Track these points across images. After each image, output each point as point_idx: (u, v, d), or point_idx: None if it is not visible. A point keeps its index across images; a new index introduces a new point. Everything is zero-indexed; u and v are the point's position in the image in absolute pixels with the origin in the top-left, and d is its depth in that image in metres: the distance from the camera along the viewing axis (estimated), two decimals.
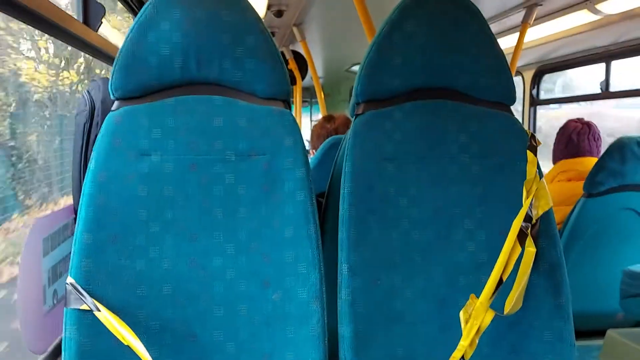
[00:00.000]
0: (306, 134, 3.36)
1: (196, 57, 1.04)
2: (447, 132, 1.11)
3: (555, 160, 2.22)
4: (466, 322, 1.01)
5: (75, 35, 1.31)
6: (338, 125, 2.20)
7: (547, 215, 1.07)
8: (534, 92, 3.15)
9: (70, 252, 0.98)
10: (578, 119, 2.22)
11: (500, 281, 1.02)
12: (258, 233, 1.03)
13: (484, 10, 1.14)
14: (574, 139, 2.17)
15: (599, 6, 2.06)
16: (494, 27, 1.12)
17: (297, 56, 3.81)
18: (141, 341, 0.92)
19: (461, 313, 1.02)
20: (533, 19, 2.33)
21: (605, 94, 2.57)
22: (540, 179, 1.09)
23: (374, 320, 1.03)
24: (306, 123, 6.62)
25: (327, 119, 2.27)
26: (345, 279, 1.04)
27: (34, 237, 1.06)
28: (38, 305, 1.08)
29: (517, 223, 1.04)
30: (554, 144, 2.22)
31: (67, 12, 1.24)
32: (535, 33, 2.54)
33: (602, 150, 2.15)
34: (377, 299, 1.04)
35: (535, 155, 1.10)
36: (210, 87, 1.06)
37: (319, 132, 2.23)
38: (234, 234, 1.03)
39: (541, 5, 2.25)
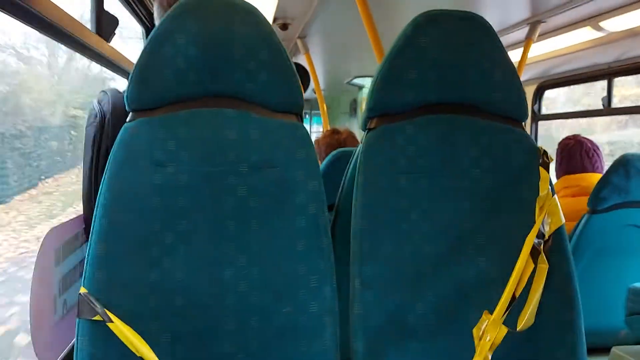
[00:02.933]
0: None
1: (211, 70, 1.05)
2: (459, 147, 1.12)
3: (558, 176, 2.23)
4: (480, 339, 1.01)
5: (89, 46, 1.31)
6: (345, 137, 2.22)
7: (559, 232, 1.08)
8: (536, 107, 3.17)
9: (80, 262, 0.98)
10: (573, 135, 2.23)
11: (514, 297, 1.02)
12: (270, 245, 1.03)
13: None
14: (567, 156, 2.19)
15: (602, 24, 2.09)
16: None
17: (299, 68, 3.84)
18: (153, 352, 0.92)
19: (475, 330, 1.02)
20: (537, 35, 2.35)
21: (608, 110, 2.59)
22: (552, 195, 1.10)
23: (387, 335, 1.03)
24: None
25: (335, 131, 2.29)
26: (357, 292, 1.04)
27: (47, 247, 1.06)
28: (49, 315, 1.07)
29: (530, 239, 1.05)
30: (556, 160, 2.24)
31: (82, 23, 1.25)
32: (538, 49, 2.57)
33: (604, 163, 2.17)
34: (390, 313, 1.04)
35: (548, 171, 1.11)
36: (224, 100, 1.07)
37: (327, 142, 2.25)
38: (246, 245, 1.03)
39: (545, 22, 2.28)
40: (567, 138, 2.23)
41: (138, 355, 0.93)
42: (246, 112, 1.06)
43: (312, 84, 3.59)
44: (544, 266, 1.03)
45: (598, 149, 2.17)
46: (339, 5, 2.31)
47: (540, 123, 3.27)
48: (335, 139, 2.24)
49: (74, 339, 0.97)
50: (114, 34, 1.47)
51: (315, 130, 7.05)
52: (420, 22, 1.12)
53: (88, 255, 0.97)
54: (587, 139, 2.20)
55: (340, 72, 4.61)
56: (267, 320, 1.01)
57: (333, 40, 3.27)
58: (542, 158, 1.12)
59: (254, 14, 1.06)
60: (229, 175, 1.03)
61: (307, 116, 6.76)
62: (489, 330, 1.01)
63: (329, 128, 3.59)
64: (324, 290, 1.01)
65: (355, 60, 4.00)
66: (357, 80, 4.80)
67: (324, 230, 1.03)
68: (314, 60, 3.30)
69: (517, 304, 1.03)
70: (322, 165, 1.76)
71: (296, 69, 1.09)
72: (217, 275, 1.01)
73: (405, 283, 1.06)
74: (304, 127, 1.10)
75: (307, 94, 4.56)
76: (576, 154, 2.17)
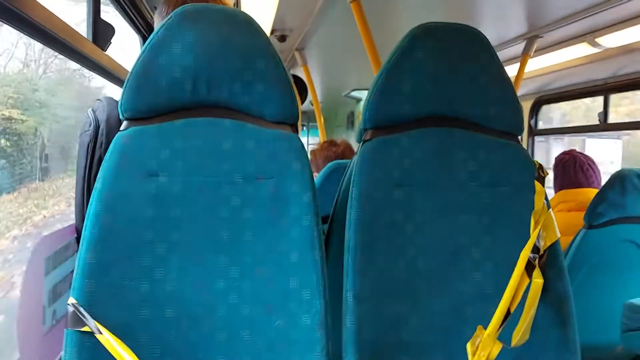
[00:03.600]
0: None
1: (206, 80, 1.04)
2: (455, 160, 1.11)
3: (556, 191, 2.24)
4: (473, 354, 1.00)
5: (85, 55, 1.31)
6: (342, 149, 2.21)
7: (554, 247, 1.07)
8: (532, 122, 3.18)
9: (70, 272, 0.97)
10: (568, 150, 2.24)
11: (508, 312, 1.01)
12: (263, 257, 1.02)
13: None
14: (561, 171, 2.20)
15: (599, 40, 2.10)
16: None
17: (297, 80, 3.84)
18: None
19: (468, 345, 1.01)
20: (533, 50, 2.36)
21: (604, 125, 2.60)
22: (547, 209, 1.09)
23: (380, 350, 1.02)
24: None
25: (332, 143, 2.28)
26: (350, 306, 1.02)
27: (36, 257, 1.04)
28: (37, 325, 1.06)
29: (525, 254, 1.04)
30: (554, 174, 2.25)
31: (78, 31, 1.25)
32: (535, 64, 2.58)
33: (601, 178, 2.18)
34: (383, 327, 1.03)
35: (543, 185, 1.11)
36: (220, 110, 1.06)
37: (325, 155, 2.23)
38: (239, 257, 1.02)
39: (542, 37, 2.29)
40: (563, 153, 2.24)
41: None
42: (242, 123, 1.06)
43: (309, 96, 3.60)
44: (538, 281, 1.02)
45: (594, 163, 2.18)
46: (337, 18, 2.32)
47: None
48: (333, 151, 2.23)
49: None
50: (110, 42, 1.47)
51: (312, 142, 7.05)
52: (416, 35, 1.12)
53: (78, 264, 0.95)
54: (582, 154, 2.21)
55: (337, 84, 4.62)
56: (259, 333, 1.00)
57: (331, 52, 3.28)
58: (537, 172, 1.12)
59: (250, 25, 1.06)
60: (224, 185, 1.03)
61: (304, 128, 6.77)
62: (483, 346, 1.00)
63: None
64: (317, 303, 1.00)
65: (353, 72, 4.02)
66: (355, 93, 4.81)
67: (317, 243, 1.02)
68: (312, 72, 3.31)
69: (512, 319, 1.01)
70: (318, 176, 1.76)
71: (294, 81, 1.09)
72: (209, 287, 1.00)
73: (399, 297, 1.05)
74: (299, 139, 1.09)
75: (304, 106, 4.57)
76: (571, 169, 2.18)
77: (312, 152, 2.37)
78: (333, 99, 5.49)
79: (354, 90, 4.71)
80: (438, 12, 2.20)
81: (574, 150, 2.25)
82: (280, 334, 1.00)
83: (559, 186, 2.21)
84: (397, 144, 1.11)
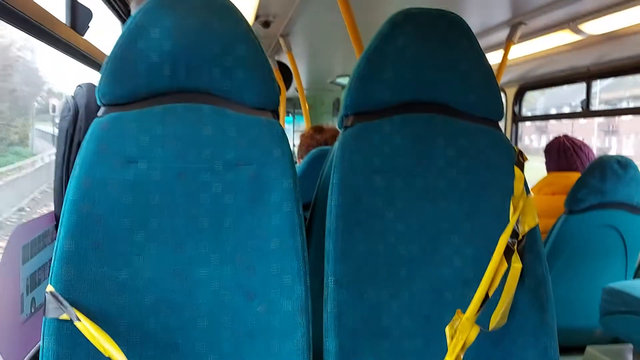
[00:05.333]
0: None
1: (186, 66, 1.03)
2: (436, 147, 1.12)
3: (549, 172, 2.27)
4: (452, 338, 1.01)
5: (62, 39, 1.29)
6: (328, 137, 2.20)
7: (533, 232, 1.08)
8: (516, 108, 3.19)
9: (50, 260, 0.96)
10: (564, 135, 2.27)
11: (486, 297, 1.02)
12: (244, 244, 1.02)
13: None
14: (548, 155, 2.24)
15: (581, 27, 2.11)
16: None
17: (282, 67, 3.81)
18: (122, 352, 0.90)
19: (447, 328, 1.02)
20: (517, 37, 2.37)
21: (586, 112, 2.62)
22: (527, 195, 1.10)
23: (360, 335, 1.02)
24: (288, 133, 6.61)
25: (317, 130, 2.26)
26: (331, 291, 1.03)
27: (13, 244, 1.03)
28: (15, 314, 1.05)
29: (504, 239, 1.05)
30: (546, 155, 2.28)
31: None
32: (519, 51, 2.58)
33: (586, 163, 2.21)
34: (364, 313, 1.03)
35: (523, 171, 1.11)
36: (200, 96, 1.05)
37: (308, 143, 2.22)
38: (219, 244, 1.01)
39: (525, 24, 2.29)
40: (553, 139, 2.27)
41: (106, 355, 0.90)
42: (222, 109, 1.05)
43: (294, 83, 3.58)
44: (517, 266, 1.03)
45: (580, 149, 2.20)
46: (321, 4, 2.31)
47: None
48: (317, 139, 2.21)
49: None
50: (89, 26, 1.44)
51: (298, 129, 7.03)
52: (397, 21, 1.11)
53: (55, 252, 0.94)
54: (570, 139, 2.23)
55: (323, 71, 4.60)
56: (239, 319, 1.00)
57: (316, 39, 3.26)
58: (517, 158, 1.12)
59: (230, 10, 1.05)
60: (204, 172, 1.02)
61: (290, 115, 6.74)
62: (462, 330, 1.01)
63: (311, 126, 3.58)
64: (298, 289, 1.00)
65: (338, 59, 4.00)
66: (340, 80, 4.79)
67: (298, 229, 1.02)
68: (297, 59, 3.28)
69: (490, 304, 1.02)
70: (301, 163, 1.75)
71: (279, 68, 1.08)
72: (189, 274, 1.00)
73: (380, 282, 1.05)
74: (280, 125, 1.08)
75: (290, 93, 4.55)
76: (555, 153, 2.22)
77: (301, 136, 2.35)
78: (318, 86, 5.46)
79: (339, 76, 4.69)
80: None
81: (563, 135, 2.27)
82: (261, 319, 1.00)
83: (559, 168, 2.25)
84: (377, 130, 1.11)
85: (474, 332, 1.01)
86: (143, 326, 0.97)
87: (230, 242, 1.02)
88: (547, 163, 2.28)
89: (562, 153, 2.20)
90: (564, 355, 1.20)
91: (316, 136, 2.23)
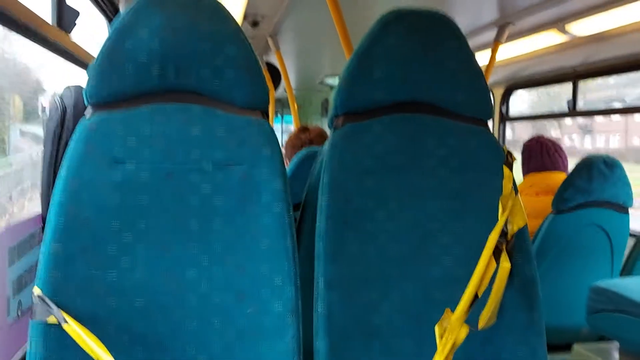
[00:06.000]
0: None
1: (174, 66, 1.02)
2: (426, 147, 1.12)
3: (524, 174, 2.28)
4: (441, 337, 1.01)
5: (49, 39, 1.27)
6: (313, 136, 2.20)
7: (522, 231, 1.09)
8: (504, 108, 3.21)
9: (36, 262, 0.95)
10: (538, 135, 2.29)
11: (476, 296, 1.03)
12: (233, 244, 1.02)
13: None
14: (527, 156, 2.26)
15: (568, 27, 2.13)
16: None
17: (270, 67, 3.80)
18: (111, 355, 0.89)
19: (436, 327, 1.02)
20: (505, 37, 2.38)
21: (573, 112, 2.64)
22: (515, 194, 1.10)
23: (351, 335, 1.02)
24: (277, 133, 6.59)
25: (302, 130, 2.27)
26: (321, 292, 1.03)
27: None
28: (1, 316, 1.03)
29: (493, 239, 1.05)
30: (522, 157, 2.30)
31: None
32: (507, 51, 2.60)
33: (567, 162, 2.24)
34: (354, 313, 1.03)
35: (511, 171, 1.12)
36: (189, 96, 1.05)
37: (293, 143, 2.23)
38: (208, 245, 1.01)
39: (513, 24, 2.31)
40: (530, 139, 2.30)
41: (95, 358, 0.90)
42: (211, 109, 1.05)
43: (283, 83, 3.57)
44: (506, 265, 1.04)
45: (560, 149, 2.23)
46: (310, 4, 2.30)
47: None
48: (302, 139, 2.22)
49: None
50: (75, 24, 1.43)
51: (287, 129, 7.03)
52: (387, 21, 1.12)
53: (42, 254, 0.93)
54: (549, 139, 2.26)
55: (312, 71, 4.60)
56: (229, 321, 0.99)
57: (304, 38, 3.25)
58: (506, 158, 1.13)
59: (220, 10, 1.04)
60: (193, 173, 1.01)
61: (278, 115, 6.73)
62: (451, 329, 1.01)
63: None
64: (288, 289, 1.00)
65: (327, 59, 4.00)
66: (329, 80, 4.79)
67: (288, 230, 1.02)
68: (286, 59, 3.28)
69: (479, 303, 1.03)
70: (291, 163, 1.75)
71: (267, 68, 1.08)
72: (178, 275, 0.99)
73: (371, 283, 1.05)
74: (269, 125, 1.08)
75: (279, 93, 4.53)
76: (537, 153, 2.24)
77: (286, 142, 2.35)
78: (307, 86, 5.46)
79: (328, 76, 4.69)
80: None
81: (541, 135, 2.30)
82: (252, 321, 1.00)
83: (526, 170, 2.27)
84: (368, 130, 1.11)
85: (463, 331, 1.01)
86: (132, 328, 0.96)
87: (220, 242, 1.01)
88: (526, 163, 2.28)
89: (545, 153, 2.22)
90: (552, 353, 1.21)
91: (301, 136, 2.24)
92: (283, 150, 2.34)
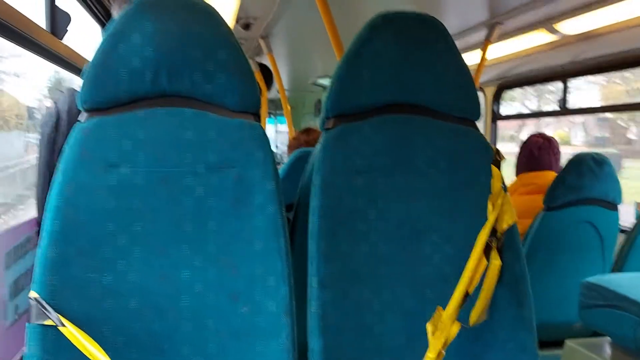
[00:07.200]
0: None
1: (167, 70, 1.04)
2: (415, 147, 1.14)
3: (518, 172, 2.30)
4: (433, 334, 1.03)
5: (42, 45, 1.28)
6: (312, 139, 2.21)
7: (512, 230, 1.11)
8: (495, 107, 3.24)
9: (32, 266, 0.95)
10: (539, 133, 2.31)
11: (467, 294, 1.04)
12: (227, 246, 1.03)
13: (447, 28, 1.17)
14: (535, 153, 2.26)
15: (557, 27, 2.15)
16: (457, 44, 1.17)
17: (263, 68, 3.81)
18: (107, 356, 0.90)
19: (428, 325, 1.04)
20: (495, 37, 2.40)
21: (563, 110, 2.67)
22: (505, 193, 1.12)
23: (344, 334, 1.04)
24: (270, 135, 6.61)
25: (304, 131, 2.28)
26: (315, 292, 1.04)
27: None
28: None
29: (483, 237, 1.07)
30: (517, 156, 2.31)
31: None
32: (497, 51, 2.63)
33: (560, 160, 2.25)
34: (347, 312, 1.05)
35: (500, 170, 1.14)
36: (181, 100, 1.06)
37: (292, 144, 2.25)
38: (203, 246, 1.02)
39: (502, 24, 2.33)
40: (535, 135, 2.30)
41: (91, 359, 0.91)
42: (203, 112, 1.06)
43: (276, 84, 3.58)
44: (496, 263, 1.06)
45: (553, 147, 2.24)
46: (301, 5, 2.31)
47: None
48: (303, 140, 2.23)
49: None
50: (67, 30, 1.44)
51: (280, 130, 7.03)
52: (376, 24, 1.13)
53: (38, 258, 0.94)
54: (542, 137, 2.27)
55: (304, 72, 4.61)
56: (224, 321, 1.01)
57: (296, 40, 3.26)
58: (494, 157, 1.15)
59: (211, 14, 1.05)
60: (186, 176, 1.03)
61: (271, 116, 6.73)
62: (442, 326, 1.03)
63: (293, 129, 3.59)
64: (282, 289, 1.01)
65: (319, 61, 4.01)
66: (321, 81, 4.81)
67: (281, 230, 1.03)
68: (278, 60, 3.29)
69: (470, 300, 1.05)
70: (284, 165, 1.77)
71: (260, 69, 1.09)
72: (173, 277, 1.00)
73: (362, 281, 1.07)
74: (261, 127, 1.09)
75: (272, 95, 4.54)
76: (546, 151, 2.24)
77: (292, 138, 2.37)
78: (300, 87, 5.47)
79: (320, 78, 4.70)
80: (401, 0, 2.21)
81: (535, 134, 2.31)
82: (246, 321, 1.01)
83: (520, 170, 2.28)
84: (358, 131, 1.12)
85: (454, 328, 1.03)
86: (128, 330, 0.97)
87: (214, 244, 1.02)
88: (522, 161, 2.29)
89: (536, 151, 2.23)
90: (545, 349, 1.23)
91: (301, 137, 2.25)
92: (287, 150, 2.36)
